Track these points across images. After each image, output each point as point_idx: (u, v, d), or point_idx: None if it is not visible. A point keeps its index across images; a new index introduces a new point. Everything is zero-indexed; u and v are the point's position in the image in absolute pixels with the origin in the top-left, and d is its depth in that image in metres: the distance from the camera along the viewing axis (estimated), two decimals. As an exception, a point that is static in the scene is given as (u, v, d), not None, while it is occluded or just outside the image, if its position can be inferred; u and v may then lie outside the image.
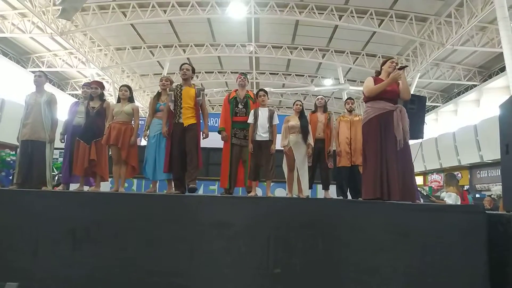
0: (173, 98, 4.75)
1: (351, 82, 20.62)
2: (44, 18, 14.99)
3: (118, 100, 5.13)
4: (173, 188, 4.75)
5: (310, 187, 5.15)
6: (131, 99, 5.14)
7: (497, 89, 18.38)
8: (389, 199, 3.70)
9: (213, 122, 8.51)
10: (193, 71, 4.93)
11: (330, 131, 5.41)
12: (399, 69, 4.02)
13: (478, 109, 20.36)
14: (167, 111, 4.81)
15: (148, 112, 5.49)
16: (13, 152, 11.25)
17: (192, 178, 4.63)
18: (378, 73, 4.28)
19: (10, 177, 10.41)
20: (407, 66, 4.05)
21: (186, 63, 4.97)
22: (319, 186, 5.67)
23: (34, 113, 4.91)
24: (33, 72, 14.58)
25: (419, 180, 22.33)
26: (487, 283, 3.04)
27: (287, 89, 23.50)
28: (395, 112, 3.92)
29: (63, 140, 5.38)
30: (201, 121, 4.87)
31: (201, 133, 4.81)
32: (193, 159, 4.60)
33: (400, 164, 3.83)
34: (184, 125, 4.62)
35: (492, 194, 12.85)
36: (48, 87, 5.26)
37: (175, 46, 19.34)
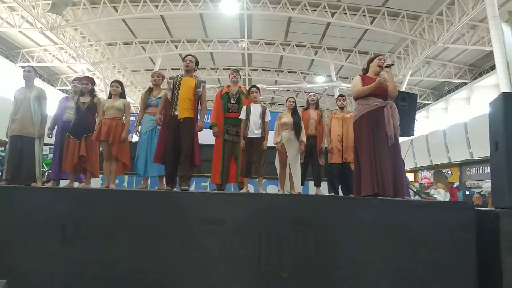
0: (171, 87, 4.61)
1: (343, 79, 20.66)
2: (34, 12, 14.77)
3: (110, 96, 5.08)
4: (165, 185, 4.71)
5: (302, 184, 5.17)
6: (122, 95, 5.10)
7: (487, 87, 18.55)
8: (383, 194, 3.72)
9: (205, 118, 8.46)
10: (197, 63, 4.83)
11: (322, 128, 5.42)
12: (386, 67, 4.05)
13: (468, 106, 20.55)
14: (164, 100, 4.70)
15: (139, 108, 5.45)
16: (2, 148, 11.13)
17: (185, 178, 4.49)
18: (366, 70, 4.31)
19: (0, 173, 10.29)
20: (393, 64, 4.08)
21: (190, 55, 4.87)
22: (311, 183, 5.69)
23: (23, 109, 4.85)
24: (22, 67, 14.42)
25: (409, 177, 22.51)
26: (475, 278, 3.08)
27: (280, 85, 23.50)
28: (385, 108, 3.94)
29: (50, 135, 5.31)
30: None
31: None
32: (187, 158, 4.44)
33: (391, 160, 3.86)
34: (179, 118, 4.48)
35: (482, 191, 13.00)
36: (38, 82, 5.20)
37: (167, 42, 19.21)
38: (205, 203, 3.56)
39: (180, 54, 18.58)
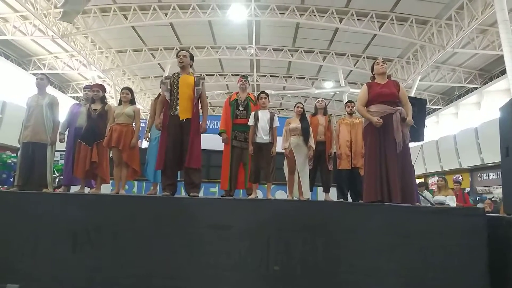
0: (169, 87, 4.35)
1: (351, 85, 20.63)
2: (45, 20, 15.03)
3: (120, 103, 5.13)
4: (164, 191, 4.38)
5: (311, 190, 5.15)
6: (132, 102, 5.15)
7: (498, 91, 18.36)
8: (389, 201, 3.71)
9: (214, 124, 8.54)
10: (192, 58, 4.55)
11: (330, 133, 5.41)
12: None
13: (479, 111, 20.33)
14: (162, 102, 4.50)
15: (149, 114, 5.49)
16: (14, 154, 11.28)
17: (193, 185, 4.33)
18: (373, 78, 4.33)
19: (11, 179, 10.42)
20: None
21: (184, 49, 4.61)
22: (320, 189, 5.67)
23: (35, 115, 4.92)
24: (34, 74, 14.64)
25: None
26: (487, 285, 3.04)
27: (288, 91, 23.51)
28: (394, 115, 3.93)
29: (63, 140, 5.37)
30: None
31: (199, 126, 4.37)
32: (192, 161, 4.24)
33: (400, 166, 3.85)
34: (181, 119, 4.25)
35: (493, 197, 12.81)
36: (49, 90, 5.27)
37: (176, 49, 19.34)
38: (214, 209, 3.57)
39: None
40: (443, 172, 20.53)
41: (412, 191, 3.93)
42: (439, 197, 7.08)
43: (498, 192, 13.00)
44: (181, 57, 4.45)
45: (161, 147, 4.37)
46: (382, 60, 4.28)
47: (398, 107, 3.99)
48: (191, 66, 4.57)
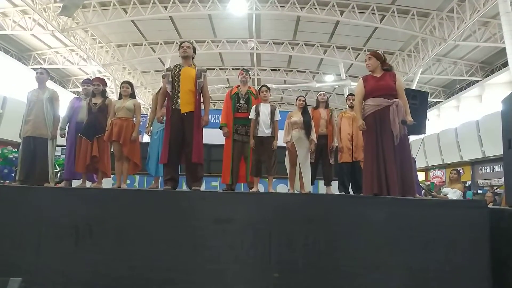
0: (170, 79, 4.32)
1: (352, 78, 20.56)
2: (45, 15, 14.98)
3: (120, 97, 5.12)
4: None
5: (312, 183, 5.15)
6: (132, 96, 5.13)
7: (499, 84, 18.31)
8: (388, 194, 3.71)
9: (215, 119, 8.52)
10: (194, 50, 4.53)
11: (332, 127, 5.40)
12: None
13: (480, 104, 20.29)
14: (163, 94, 4.50)
15: (151, 108, 5.48)
16: (15, 150, 11.29)
17: (195, 179, 4.32)
18: None
19: (13, 174, 10.45)
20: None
21: (187, 41, 4.58)
22: (321, 182, 5.67)
23: (36, 110, 4.91)
24: (34, 69, 14.60)
25: (421, 176, 22.29)
26: (489, 277, 3.05)
27: (289, 85, 23.45)
28: (391, 107, 3.91)
29: (64, 135, 5.36)
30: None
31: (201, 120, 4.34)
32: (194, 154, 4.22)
33: (398, 159, 3.84)
34: (182, 112, 4.23)
35: (496, 188, 12.81)
36: (49, 84, 5.26)
37: (176, 43, 19.27)
38: (216, 202, 3.57)
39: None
40: (444, 166, 20.55)
41: (411, 184, 3.93)
42: (446, 189, 7.09)
43: None
44: (185, 47, 4.43)
45: (165, 140, 4.35)
46: (369, 57, 4.21)
47: (395, 100, 3.96)
48: (193, 58, 4.54)
